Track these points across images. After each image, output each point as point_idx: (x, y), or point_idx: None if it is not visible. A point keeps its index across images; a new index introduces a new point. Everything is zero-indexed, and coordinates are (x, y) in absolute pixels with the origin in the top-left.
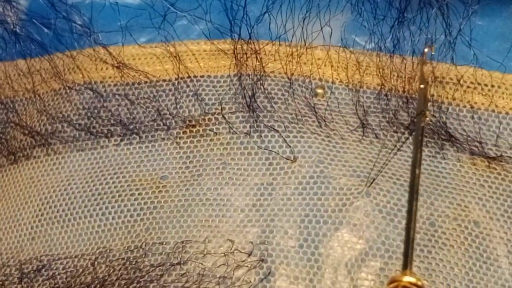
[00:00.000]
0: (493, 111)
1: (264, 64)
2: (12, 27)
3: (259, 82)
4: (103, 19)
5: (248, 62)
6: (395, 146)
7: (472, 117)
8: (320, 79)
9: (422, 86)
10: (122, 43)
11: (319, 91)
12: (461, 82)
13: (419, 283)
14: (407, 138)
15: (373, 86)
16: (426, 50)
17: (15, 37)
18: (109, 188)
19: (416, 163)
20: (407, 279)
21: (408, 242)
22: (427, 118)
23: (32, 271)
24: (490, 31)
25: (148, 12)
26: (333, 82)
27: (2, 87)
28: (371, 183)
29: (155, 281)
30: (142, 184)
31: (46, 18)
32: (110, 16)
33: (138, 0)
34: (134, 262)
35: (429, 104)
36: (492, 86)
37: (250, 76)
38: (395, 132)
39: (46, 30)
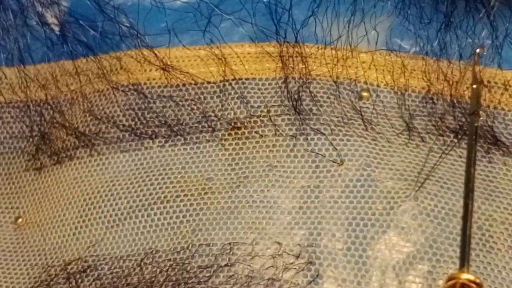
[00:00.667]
0: None
1: (309, 68)
2: (58, 28)
3: (304, 85)
4: (148, 21)
5: (294, 65)
6: (442, 149)
7: None
8: (365, 82)
9: (474, 86)
10: (167, 45)
11: (365, 94)
12: (507, 86)
13: (478, 280)
14: (457, 142)
15: (419, 89)
16: (478, 50)
17: (61, 38)
18: (154, 189)
19: (470, 163)
20: (466, 276)
21: (465, 239)
22: (481, 118)
23: (77, 272)
24: None
25: (194, 14)
26: (378, 85)
27: (49, 87)
28: (419, 187)
29: (203, 282)
30: (188, 186)
31: (91, 19)
32: (155, 18)
33: (183, 2)
34: (181, 264)
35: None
36: None
37: (296, 79)
38: (441, 135)
39: (91, 31)
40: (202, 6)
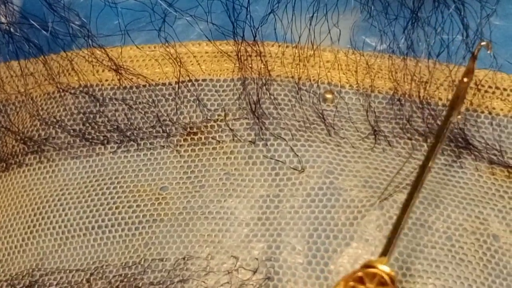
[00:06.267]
0: None
1: (269, 68)
2: (5, 26)
3: (264, 87)
4: (100, 19)
5: (252, 65)
6: (410, 154)
7: (491, 124)
8: (329, 83)
9: (465, 79)
10: (120, 44)
11: (328, 96)
12: (479, 86)
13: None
14: (426, 145)
15: (385, 90)
16: (483, 43)
17: (8, 37)
18: (105, 199)
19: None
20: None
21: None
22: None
23: (24, 287)
24: (510, 32)
25: (149, 13)
26: (342, 87)
27: None
28: (384, 196)
29: None
30: (141, 195)
31: (41, 18)
32: (107, 17)
33: (137, 0)
34: (132, 279)
35: (444, 108)
36: None
37: (255, 80)
38: (409, 139)
39: (41, 30)
40: (156, 4)
